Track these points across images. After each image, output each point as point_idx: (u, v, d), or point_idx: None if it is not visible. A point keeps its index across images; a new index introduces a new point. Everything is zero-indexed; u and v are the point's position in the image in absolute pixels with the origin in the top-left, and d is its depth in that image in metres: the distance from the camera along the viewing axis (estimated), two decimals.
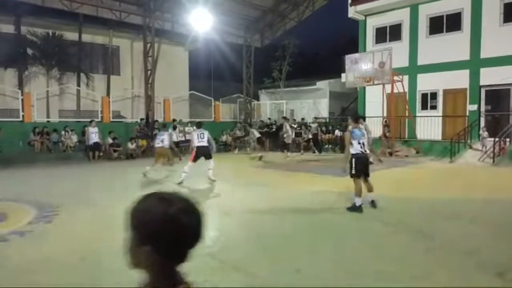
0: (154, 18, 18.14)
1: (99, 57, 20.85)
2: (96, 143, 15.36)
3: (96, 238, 5.24)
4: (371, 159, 12.77)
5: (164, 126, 15.67)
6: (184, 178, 9.63)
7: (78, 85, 18.88)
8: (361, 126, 7.23)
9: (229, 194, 8.74)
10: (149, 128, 17.37)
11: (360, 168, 6.55)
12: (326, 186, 9.07)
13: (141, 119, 17.87)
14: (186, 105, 22.44)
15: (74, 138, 16.19)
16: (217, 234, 5.44)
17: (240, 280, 3.87)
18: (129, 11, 17.93)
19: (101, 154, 15.73)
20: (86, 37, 19.52)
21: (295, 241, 5.12)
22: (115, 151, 16.08)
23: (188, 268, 3.85)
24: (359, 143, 6.57)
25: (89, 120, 16.00)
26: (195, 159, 9.90)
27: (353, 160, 6.55)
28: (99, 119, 17.33)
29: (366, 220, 6.11)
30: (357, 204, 6.45)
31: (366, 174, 6.71)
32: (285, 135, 16.04)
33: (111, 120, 18.20)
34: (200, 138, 10.07)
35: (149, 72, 18.29)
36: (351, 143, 6.60)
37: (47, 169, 12.74)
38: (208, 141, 9.95)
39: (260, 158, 15.00)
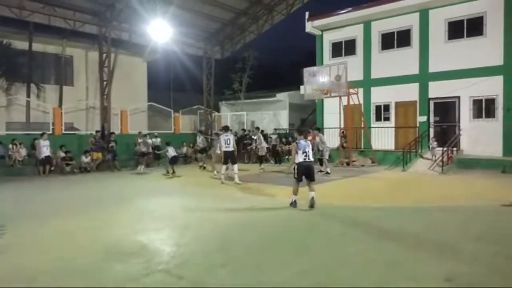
0: (111, 28, 17.71)
1: (51, 67, 19.95)
2: (47, 157, 14.61)
3: (48, 257, 4.94)
4: (328, 169, 13.18)
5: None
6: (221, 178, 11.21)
7: (28, 96, 17.95)
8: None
9: (189, 206, 8.58)
10: (104, 140, 16.76)
11: (302, 174, 7.70)
12: (286, 197, 9.15)
13: (97, 131, 17.23)
14: (144, 116, 21.95)
15: (23, 151, 15.29)
16: (174, 249, 5.31)
17: None
18: (84, 21, 17.38)
19: (52, 168, 14.95)
20: (38, 46, 18.66)
21: (256, 252, 5.09)
22: (67, 165, 15.34)
23: (141, 286, 3.71)
24: (303, 152, 7.66)
25: (39, 132, 15.20)
26: (225, 161, 11.18)
27: (296, 167, 7.72)
28: (51, 132, 16.51)
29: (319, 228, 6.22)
30: (293, 200, 7.81)
31: (310, 179, 7.77)
32: (259, 147, 16.23)
33: (64, 132, 17.40)
34: (226, 144, 11.20)
35: (105, 83, 17.75)
36: (296, 152, 7.70)
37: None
38: (233, 146, 11.19)
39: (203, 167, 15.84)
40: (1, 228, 6.37)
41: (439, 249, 5.14)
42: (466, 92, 15.60)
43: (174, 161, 14.56)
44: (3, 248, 5.42)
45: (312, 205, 7.53)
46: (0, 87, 17.37)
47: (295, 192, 7.78)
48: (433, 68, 16.52)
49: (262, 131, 17.88)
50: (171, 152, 14.47)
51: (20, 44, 17.78)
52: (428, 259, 4.69)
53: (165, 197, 9.75)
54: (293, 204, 7.76)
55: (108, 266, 4.61)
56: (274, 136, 19.34)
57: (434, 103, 16.71)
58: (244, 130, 20.40)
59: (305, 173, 7.68)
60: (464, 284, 3.93)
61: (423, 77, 16.78)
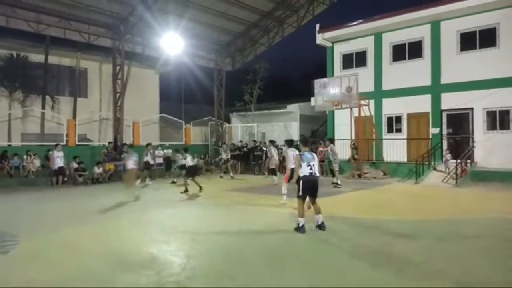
0: (124, 41, 18.04)
1: (65, 79, 20.36)
2: (61, 168, 14.80)
3: (59, 268, 4.96)
4: (338, 181, 13.04)
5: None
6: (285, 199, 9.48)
7: (43, 107, 18.28)
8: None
9: (199, 218, 8.56)
10: (117, 151, 16.94)
11: (307, 190, 6.73)
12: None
13: (109, 143, 17.43)
14: (156, 128, 22.16)
15: (37, 162, 15.53)
16: (185, 261, 5.28)
17: None
18: (98, 34, 17.75)
19: (65, 179, 15.13)
20: (53, 59, 19.08)
21: (264, 265, 5.04)
22: (80, 175, 15.52)
23: None
24: (308, 165, 6.74)
25: (53, 143, 15.43)
26: (290, 179, 8.83)
27: (301, 181, 6.72)
28: (64, 143, 16.75)
29: (329, 244, 6.14)
30: (300, 225, 6.66)
31: (313, 196, 6.84)
32: (271, 160, 15.67)
33: (77, 143, 17.64)
34: (294, 160, 8.62)
35: (118, 94, 18.02)
36: (300, 165, 6.77)
37: (7, 195, 12.10)
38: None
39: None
40: (14, 238, 6.44)
41: (451, 261, 5.02)
42: (479, 103, 15.41)
43: (193, 172, 12.48)
44: (16, 259, 5.47)
45: (322, 227, 6.75)
46: (16, 99, 17.73)
47: (301, 214, 6.73)
48: (445, 79, 16.38)
49: (277, 145, 17.65)
50: (189, 160, 12.42)
51: (36, 57, 18.21)
52: (439, 273, 4.58)
53: (175, 209, 9.75)
54: (301, 229, 6.64)
55: (119, 278, 4.61)
56: (284, 148, 19.25)
57: (447, 114, 16.53)
58: (255, 141, 20.41)
59: (311, 189, 6.79)
60: None
61: (435, 89, 16.64)
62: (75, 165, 15.62)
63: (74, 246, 6.08)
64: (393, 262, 5.10)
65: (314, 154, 7.11)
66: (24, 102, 17.84)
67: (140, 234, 6.97)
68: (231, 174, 17.08)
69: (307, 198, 7.05)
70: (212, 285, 4.35)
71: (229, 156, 17.76)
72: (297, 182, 6.86)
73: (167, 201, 10.88)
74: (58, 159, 14.74)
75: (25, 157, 15.29)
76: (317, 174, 6.90)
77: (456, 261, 5.14)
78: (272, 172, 15.32)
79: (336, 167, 13.49)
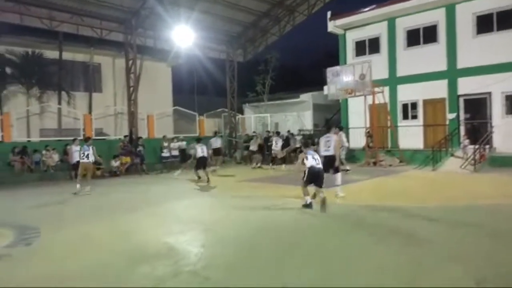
0: (136, 35, 18.15)
1: (80, 75, 20.64)
2: (78, 162, 15.05)
3: (79, 259, 5.09)
4: (347, 167, 12.98)
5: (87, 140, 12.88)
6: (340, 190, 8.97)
7: (59, 103, 18.63)
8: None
9: (214, 209, 8.65)
10: (132, 144, 17.18)
11: (311, 178, 7.76)
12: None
13: (125, 136, 17.67)
14: (170, 120, 22.34)
15: (56, 157, 15.86)
16: (201, 251, 5.36)
17: None
18: (110, 29, 17.88)
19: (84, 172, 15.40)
20: (67, 55, 19.36)
21: (280, 254, 5.07)
22: (98, 169, 15.79)
23: (171, 285, 3.78)
24: (313, 158, 7.84)
25: (71, 138, 15.71)
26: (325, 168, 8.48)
27: (307, 171, 7.78)
28: (82, 137, 17.04)
29: (352, 232, 6.14)
30: (308, 202, 7.75)
31: (319, 185, 7.76)
32: (274, 149, 16.49)
33: (94, 137, 17.90)
34: (326, 147, 8.90)
35: (131, 88, 18.20)
36: (306, 158, 7.85)
37: (28, 190, 12.43)
38: (335, 149, 8.75)
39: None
40: (35, 231, 6.62)
41: (469, 251, 4.97)
42: (497, 87, 15.02)
43: (202, 163, 12.39)
44: (36, 251, 5.63)
45: (324, 203, 7.35)
46: (33, 96, 18.09)
47: (306, 193, 7.81)
48: (461, 64, 15.99)
49: (282, 135, 18.01)
50: (199, 151, 12.34)
51: (51, 54, 18.50)
52: (457, 262, 4.54)
53: (190, 200, 9.87)
54: (309, 206, 7.65)
55: (136, 268, 4.71)
56: (299, 137, 19.18)
57: (464, 99, 16.17)
58: (268, 132, 20.41)
59: (315, 178, 7.69)
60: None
61: (452, 74, 16.27)
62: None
63: (93, 239, 6.22)
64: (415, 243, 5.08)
65: (315, 152, 8.17)
66: (41, 98, 18.21)
67: (156, 225, 7.08)
68: (254, 164, 17.26)
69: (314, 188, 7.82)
70: (228, 274, 4.40)
71: (257, 148, 17.90)
72: (304, 171, 7.82)
73: (183, 192, 11.01)
74: (76, 153, 14.99)
75: (44, 152, 15.64)
76: (320, 166, 7.79)
77: (477, 248, 5.09)
78: (272, 160, 16.41)
79: (342, 154, 13.36)
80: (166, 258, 5.02)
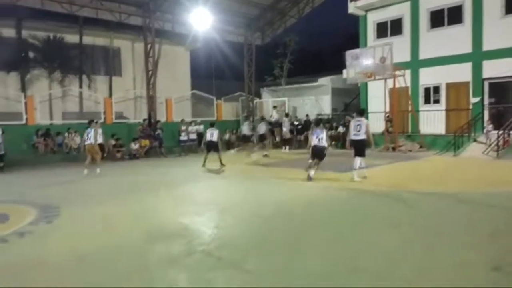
0: (154, 19, 18.17)
1: (100, 59, 20.88)
2: (100, 144, 15.37)
3: (96, 238, 5.25)
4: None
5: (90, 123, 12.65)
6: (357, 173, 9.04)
7: (80, 87, 18.98)
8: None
9: (230, 191, 8.74)
10: (151, 128, 17.42)
11: (314, 154, 9.21)
12: (327, 182, 9.05)
13: (144, 120, 17.92)
14: (188, 104, 22.45)
15: (78, 139, 16.25)
16: (215, 231, 5.44)
17: (235, 277, 3.85)
18: (129, 13, 17.95)
19: (105, 155, 15.76)
20: (87, 39, 19.58)
21: (293, 236, 5.10)
22: (118, 151, 16.14)
23: (183, 265, 3.87)
24: (317, 137, 9.12)
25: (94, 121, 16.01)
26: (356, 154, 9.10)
27: (311, 148, 9.23)
28: (102, 120, 17.40)
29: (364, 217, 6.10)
30: (311, 175, 9.09)
31: (319, 158, 9.22)
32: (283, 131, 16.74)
33: (114, 121, 18.26)
34: (356, 131, 9.06)
35: (150, 72, 18.35)
36: (312, 138, 9.29)
37: (51, 171, 12.82)
38: (367, 134, 8.98)
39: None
40: (56, 209, 6.86)
41: (487, 237, 4.86)
42: None
43: (210, 147, 12.25)
44: (56, 229, 5.84)
45: (310, 178, 9.00)
46: (56, 79, 18.46)
47: (311, 165, 9.28)
48: (487, 46, 15.36)
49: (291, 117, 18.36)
50: (208, 136, 12.28)
51: (72, 38, 18.76)
52: (473, 247, 4.46)
53: (206, 182, 9.98)
54: (309, 178, 9.05)
55: (151, 247, 4.83)
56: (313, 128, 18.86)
57: (489, 83, 15.59)
58: (287, 114, 20.31)
59: (316, 154, 9.16)
60: None
61: (477, 56, 15.67)
62: (113, 141, 16.25)
63: (110, 218, 6.39)
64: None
65: (324, 130, 9.44)
66: (62, 82, 18.55)
67: (173, 206, 7.22)
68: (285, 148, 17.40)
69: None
70: (240, 255, 4.46)
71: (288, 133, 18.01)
72: (310, 148, 9.31)
73: (200, 175, 11.14)
74: (98, 136, 15.32)
75: (66, 134, 16.06)
76: (324, 144, 9.11)
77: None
78: (285, 142, 16.68)
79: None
80: (181, 238, 5.12)
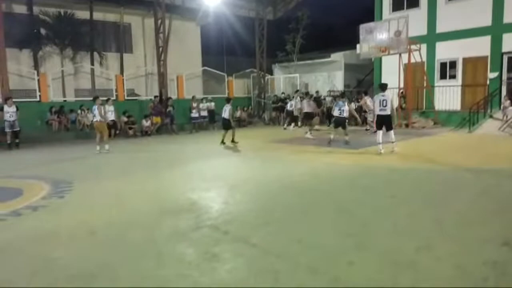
0: None
1: (111, 35, 20.78)
2: (112, 121, 15.54)
3: (107, 213, 5.35)
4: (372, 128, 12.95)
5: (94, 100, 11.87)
6: (380, 148, 9.25)
7: (92, 64, 18.99)
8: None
9: (240, 168, 8.76)
10: (162, 105, 17.45)
11: (335, 124, 11.05)
12: (336, 159, 9.00)
13: (155, 97, 17.94)
14: (199, 81, 22.36)
15: (90, 116, 16.39)
16: (222, 207, 5.49)
17: (239, 250, 3.89)
18: None
19: (117, 132, 15.94)
20: (98, 15, 19.44)
21: (300, 212, 5.11)
22: (130, 128, 16.28)
23: (190, 240, 3.91)
24: (339, 109, 10.80)
25: (105, 98, 16.09)
26: (379, 127, 9.36)
27: (333, 119, 11.16)
28: (114, 97, 17.49)
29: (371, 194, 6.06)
30: (332, 137, 11.00)
31: (343, 127, 10.92)
32: (294, 108, 16.59)
33: (126, 98, 18.33)
34: (382, 106, 9.22)
35: (161, 49, 18.22)
36: (335, 109, 11.12)
37: (64, 148, 13.05)
38: (391, 108, 9.25)
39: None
40: (69, 185, 6.99)
41: (496, 213, 4.79)
42: None
43: (222, 124, 12.51)
44: (68, 203, 5.97)
45: (346, 142, 10.74)
46: (67, 56, 18.51)
47: (333, 133, 11.10)
48: (508, 18, 14.72)
49: (302, 93, 17.77)
50: (223, 113, 12.36)
51: (82, 14, 18.63)
52: (482, 224, 4.39)
53: (217, 159, 10.02)
54: (330, 142, 10.79)
55: (160, 221, 4.90)
56: (329, 99, 18.74)
57: (509, 57, 15.05)
58: (297, 91, 20.09)
59: (337, 123, 10.94)
60: None
61: (496, 29, 15.06)
62: (125, 118, 16.37)
63: (122, 193, 6.50)
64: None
65: (346, 103, 11.01)
66: (74, 59, 18.58)
67: (182, 182, 7.29)
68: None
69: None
70: (247, 230, 4.49)
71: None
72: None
73: (211, 153, 11.18)
74: (110, 113, 15.42)
75: (79, 111, 16.23)
76: (344, 115, 10.78)
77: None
78: (294, 119, 16.41)
79: (369, 117, 13.92)
80: (189, 213, 5.18)
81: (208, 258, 3.69)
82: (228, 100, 12.78)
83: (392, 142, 9.40)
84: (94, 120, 11.69)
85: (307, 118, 14.47)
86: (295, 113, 16.52)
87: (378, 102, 9.28)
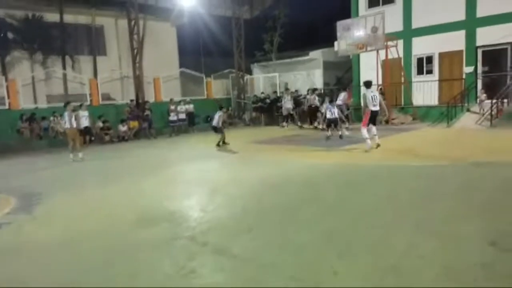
0: None
1: (83, 38, 20.10)
2: (86, 127, 15.01)
3: (78, 226, 5.02)
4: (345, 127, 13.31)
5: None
6: (370, 144, 9.22)
7: (64, 68, 18.31)
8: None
9: (222, 172, 8.51)
10: (139, 109, 16.98)
11: (329, 123, 11.78)
12: (318, 158, 8.86)
13: (131, 100, 17.45)
14: (177, 83, 21.90)
15: (63, 123, 15.81)
16: (201, 214, 5.22)
17: (219, 264, 3.65)
18: None
19: (92, 138, 15.41)
20: (68, 18, 18.76)
21: (282, 214, 4.90)
22: (106, 134, 15.77)
23: (166, 253, 3.55)
24: (330, 111, 11.60)
25: (78, 103, 15.55)
26: (369, 123, 9.33)
27: (326, 120, 11.90)
28: (88, 103, 16.91)
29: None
30: (328, 134, 11.80)
31: (335, 125, 11.85)
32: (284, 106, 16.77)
33: (101, 102, 17.76)
34: (374, 101, 9.28)
35: (135, 51, 17.73)
36: (326, 113, 11.85)
37: (37, 156, 12.49)
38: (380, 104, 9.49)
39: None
40: (38, 196, 6.58)
41: (481, 209, 4.70)
42: None
43: (215, 130, 12.28)
44: (39, 218, 5.58)
45: (341, 136, 11.59)
46: (37, 61, 17.80)
47: (328, 132, 11.89)
48: (481, 12, 14.91)
49: (292, 91, 18.05)
50: (214, 121, 12.21)
51: (52, 17, 17.94)
52: (466, 220, 4.28)
53: (197, 163, 9.73)
54: (328, 138, 11.62)
55: (134, 233, 4.61)
56: (312, 97, 18.30)
57: (483, 51, 15.26)
58: (275, 92, 19.97)
59: (331, 123, 11.72)
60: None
61: (470, 23, 15.26)
62: (100, 124, 15.84)
63: (95, 204, 6.15)
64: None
65: (335, 106, 12.00)
66: (45, 64, 17.89)
67: (159, 189, 6.98)
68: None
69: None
70: (227, 239, 4.25)
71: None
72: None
73: (191, 156, 10.88)
74: (83, 119, 14.88)
75: (52, 118, 15.60)
76: (335, 116, 11.61)
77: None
78: (284, 118, 16.57)
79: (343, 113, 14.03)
80: (165, 222, 4.92)
81: (185, 274, 3.43)
82: (220, 107, 12.65)
83: (375, 135, 9.48)
84: (65, 127, 11.19)
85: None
86: (284, 113, 16.66)
87: (370, 98, 9.28)
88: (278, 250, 3.81)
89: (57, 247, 4.22)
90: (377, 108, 9.40)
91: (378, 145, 9.34)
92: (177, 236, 4.39)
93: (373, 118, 9.51)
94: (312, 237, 4.10)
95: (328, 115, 11.57)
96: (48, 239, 4.52)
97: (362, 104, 9.80)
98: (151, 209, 5.60)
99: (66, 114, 11.02)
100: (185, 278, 3.34)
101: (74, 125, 11.13)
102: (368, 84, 9.64)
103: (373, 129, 9.57)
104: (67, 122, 10.98)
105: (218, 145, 12.00)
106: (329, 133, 11.88)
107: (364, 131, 9.38)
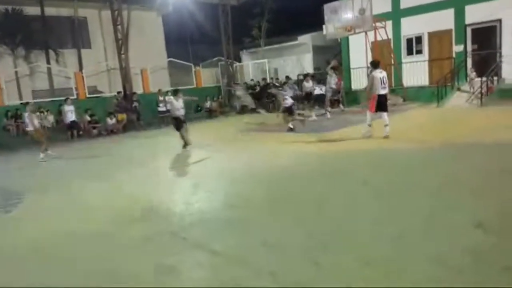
0: None
1: (66, 31, 19.62)
2: (73, 122, 14.77)
3: (57, 224, 4.88)
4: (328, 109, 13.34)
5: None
6: (369, 131, 8.53)
7: (48, 62, 17.92)
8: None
9: (208, 164, 8.37)
10: (127, 101, 16.70)
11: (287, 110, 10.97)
12: (304, 146, 8.73)
13: (118, 93, 17.15)
14: (165, 73, 21.56)
15: (51, 118, 15.56)
16: (183, 209, 5.10)
17: (200, 259, 3.54)
18: None
19: (80, 132, 15.17)
20: (50, 10, 18.26)
21: (267, 208, 4.79)
22: (94, 128, 15.52)
23: (145, 250, 3.36)
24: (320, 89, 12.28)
25: (64, 98, 15.27)
26: (377, 109, 8.21)
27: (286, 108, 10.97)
28: (75, 96, 16.61)
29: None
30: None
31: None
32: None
33: (88, 96, 17.46)
34: (383, 84, 8.19)
35: (120, 42, 17.35)
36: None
37: (23, 154, 12.25)
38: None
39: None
40: (18, 198, 6.41)
41: (470, 189, 4.62)
42: (509, 13, 13.88)
43: (176, 125, 9.67)
44: (17, 218, 5.43)
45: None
46: (20, 56, 17.39)
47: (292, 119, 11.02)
48: None
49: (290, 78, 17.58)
50: (173, 108, 9.61)
51: (32, 10, 17.46)
52: (454, 204, 4.20)
53: (185, 155, 9.58)
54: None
55: (113, 230, 4.48)
56: (308, 84, 17.85)
57: (472, 29, 15.09)
58: (264, 79, 19.70)
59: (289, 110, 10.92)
60: (496, 229, 3.45)
61: (459, 1, 15.02)
62: (87, 118, 15.58)
63: (76, 200, 6.01)
64: None
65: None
66: (28, 59, 17.49)
67: (143, 183, 6.83)
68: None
69: None
70: (209, 234, 4.14)
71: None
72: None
73: (180, 147, 10.71)
74: (69, 113, 14.65)
75: (38, 114, 15.26)
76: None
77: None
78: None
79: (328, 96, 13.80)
80: (145, 218, 4.79)
81: (163, 271, 3.32)
82: (175, 91, 10.23)
83: (386, 125, 8.36)
84: (28, 129, 10.63)
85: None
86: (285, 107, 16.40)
87: (379, 80, 8.19)
88: (259, 246, 3.70)
89: (31, 251, 4.10)
90: (386, 91, 8.28)
91: (387, 137, 8.23)
92: (157, 232, 4.27)
93: (383, 104, 8.24)
94: (294, 232, 4.00)
95: (317, 92, 12.29)
96: (24, 241, 4.38)
97: (367, 87, 8.58)
98: (129, 205, 5.43)
99: (26, 115, 10.49)
100: (163, 276, 3.22)
101: (37, 125, 10.55)
102: (375, 64, 8.55)
103: (385, 116, 8.32)
104: (28, 124, 10.41)
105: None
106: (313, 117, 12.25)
107: (369, 115, 8.52)
